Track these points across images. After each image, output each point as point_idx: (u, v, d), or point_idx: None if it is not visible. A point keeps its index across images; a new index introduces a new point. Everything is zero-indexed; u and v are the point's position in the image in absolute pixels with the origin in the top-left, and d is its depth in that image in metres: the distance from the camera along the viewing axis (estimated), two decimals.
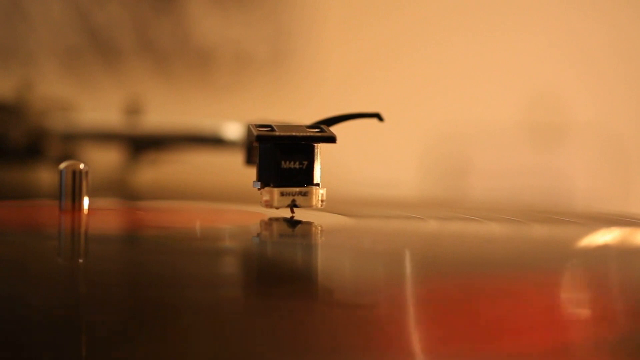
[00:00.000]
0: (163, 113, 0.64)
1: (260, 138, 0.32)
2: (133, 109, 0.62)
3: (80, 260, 0.27)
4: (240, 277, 0.26)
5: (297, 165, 0.33)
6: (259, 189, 0.33)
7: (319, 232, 0.34)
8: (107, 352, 0.18)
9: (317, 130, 0.33)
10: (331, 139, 0.33)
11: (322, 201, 0.33)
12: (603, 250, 0.32)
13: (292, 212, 0.33)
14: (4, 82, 0.68)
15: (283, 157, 0.32)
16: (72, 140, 0.63)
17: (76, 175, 0.33)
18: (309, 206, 0.33)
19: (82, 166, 0.34)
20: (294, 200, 0.33)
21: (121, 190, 0.57)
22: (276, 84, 0.90)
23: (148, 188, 0.61)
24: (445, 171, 0.86)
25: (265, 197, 0.32)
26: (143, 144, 0.62)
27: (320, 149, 0.33)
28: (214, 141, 0.60)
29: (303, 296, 0.23)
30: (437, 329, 0.20)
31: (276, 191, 0.32)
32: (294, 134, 0.32)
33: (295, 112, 0.47)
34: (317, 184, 0.33)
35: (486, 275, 0.25)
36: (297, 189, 0.33)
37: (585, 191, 0.84)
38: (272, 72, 0.90)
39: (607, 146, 0.85)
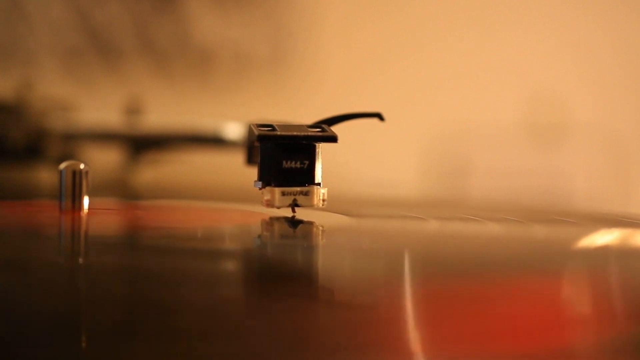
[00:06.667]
0: (163, 113, 0.64)
1: (261, 137, 0.32)
2: (133, 109, 0.62)
3: (80, 260, 0.27)
4: (241, 277, 0.26)
5: (298, 165, 0.32)
6: (260, 189, 0.33)
7: (320, 231, 0.34)
8: (108, 352, 0.18)
9: (318, 129, 0.33)
10: (332, 139, 0.33)
11: (323, 201, 0.33)
12: (603, 251, 0.31)
13: (293, 211, 0.33)
14: (4, 82, 0.68)
15: (284, 156, 0.32)
16: (72, 140, 0.63)
17: (76, 175, 0.33)
18: (310, 206, 0.33)
19: (82, 166, 0.34)
20: (295, 200, 0.33)
21: (121, 190, 0.57)
22: (276, 83, 0.90)
23: (148, 188, 0.61)
24: (445, 171, 0.86)
25: (267, 197, 0.32)
26: (143, 144, 0.62)
27: (322, 148, 0.33)
28: (214, 141, 0.60)
29: (304, 296, 0.23)
30: (438, 329, 0.20)
31: (277, 191, 0.32)
32: (295, 133, 0.32)
33: (296, 111, 0.47)
34: (318, 184, 0.33)
35: (486, 275, 0.25)
36: (299, 189, 0.32)
37: (585, 191, 0.84)
38: (272, 72, 0.90)
39: (607, 146, 0.85)
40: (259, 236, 0.34)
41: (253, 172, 0.34)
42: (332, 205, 0.34)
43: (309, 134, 0.33)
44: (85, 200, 0.34)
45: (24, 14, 0.91)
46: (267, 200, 0.32)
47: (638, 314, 0.22)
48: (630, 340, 0.20)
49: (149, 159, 0.62)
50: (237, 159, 0.44)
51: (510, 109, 0.86)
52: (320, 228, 0.34)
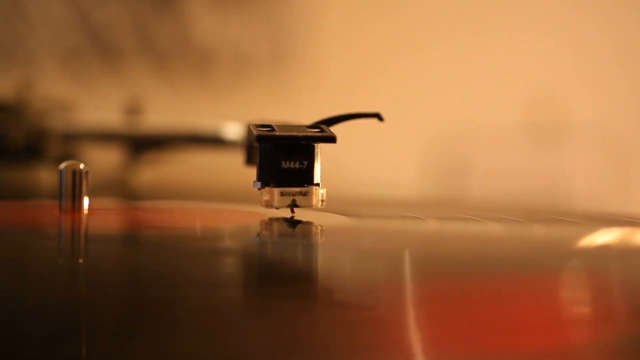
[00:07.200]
0: (163, 113, 0.64)
1: (260, 138, 0.32)
2: (133, 109, 0.62)
3: (80, 260, 0.27)
4: (240, 277, 0.26)
5: (297, 165, 0.32)
6: (259, 189, 0.33)
7: (319, 232, 0.34)
8: (107, 352, 0.18)
9: (317, 130, 0.33)
10: (331, 139, 0.33)
11: (322, 201, 0.33)
12: (603, 251, 0.31)
13: (292, 212, 0.33)
14: (4, 82, 0.68)
15: (283, 157, 0.32)
16: (72, 140, 0.63)
17: (76, 175, 0.33)
18: (309, 206, 0.33)
19: (82, 166, 0.34)
20: (294, 200, 0.33)
21: (121, 190, 0.57)
22: (276, 84, 0.90)
23: (148, 188, 0.61)
24: (445, 171, 0.86)
25: (266, 197, 0.32)
26: (143, 144, 0.62)
27: (321, 148, 0.33)
28: (214, 141, 0.60)
29: (303, 296, 0.23)
30: (437, 329, 0.20)
31: (276, 191, 0.32)
32: (294, 134, 0.32)
33: (295, 112, 0.47)
34: (317, 184, 0.33)
35: (486, 276, 0.25)
36: (297, 189, 0.32)
37: (585, 191, 0.84)
38: (272, 72, 0.90)
39: (607, 146, 0.85)
40: (258, 236, 0.34)
41: (252, 173, 0.34)
42: (332, 205, 0.34)
43: (308, 134, 0.33)
44: (85, 200, 0.34)
45: (24, 14, 0.91)
46: (266, 201, 0.32)
47: (638, 314, 0.22)
48: (630, 340, 0.20)
49: (149, 159, 0.62)
50: (237, 159, 0.44)
51: (510, 109, 0.86)
52: (319, 228, 0.34)
